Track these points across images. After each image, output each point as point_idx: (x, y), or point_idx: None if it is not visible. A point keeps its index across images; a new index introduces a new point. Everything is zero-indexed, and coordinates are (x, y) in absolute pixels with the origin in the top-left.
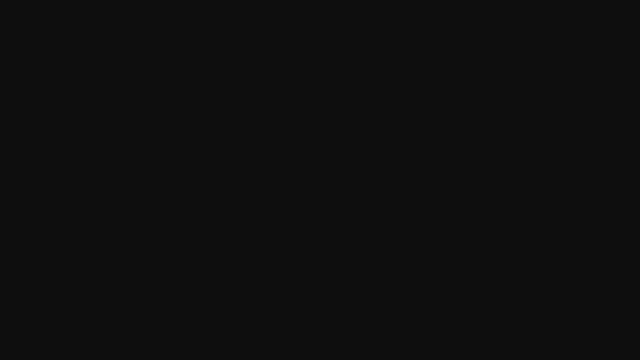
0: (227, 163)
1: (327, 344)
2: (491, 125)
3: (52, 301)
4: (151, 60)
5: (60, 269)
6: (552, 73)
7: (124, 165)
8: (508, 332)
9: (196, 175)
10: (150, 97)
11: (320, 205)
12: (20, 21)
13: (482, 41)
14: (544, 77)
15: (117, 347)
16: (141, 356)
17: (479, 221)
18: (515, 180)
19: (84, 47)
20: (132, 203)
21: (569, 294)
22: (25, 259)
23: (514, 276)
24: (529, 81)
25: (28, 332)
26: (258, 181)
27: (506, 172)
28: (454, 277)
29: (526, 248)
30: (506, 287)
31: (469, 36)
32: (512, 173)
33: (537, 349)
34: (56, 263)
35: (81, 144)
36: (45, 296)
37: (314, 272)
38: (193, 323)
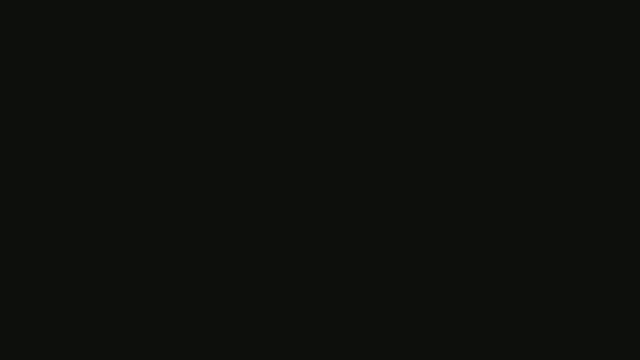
0: (227, 163)
1: (327, 344)
2: (491, 125)
3: (52, 301)
4: (151, 60)
5: (60, 269)
6: (552, 73)
7: (124, 165)
8: (508, 332)
9: (196, 175)
10: (150, 97)
11: (320, 205)
12: (20, 21)
13: (482, 41)
14: (544, 77)
15: (117, 347)
16: (141, 356)
17: (479, 221)
18: (515, 180)
19: (84, 47)
20: (132, 203)
21: (569, 294)
22: (25, 259)
23: (514, 276)
24: (529, 81)
25: (28, 332)
26: (258, 181)
27: (506, 172)
28: (454, 277)
29: (526, 248)
30: (506, 287)
31: (469, 36)
32: (512, 173)
33: (537, 349)
34: (56, 263)
35: (81, 144)
36: (45, 296)
37: (314, 272)
38: (193, 323)
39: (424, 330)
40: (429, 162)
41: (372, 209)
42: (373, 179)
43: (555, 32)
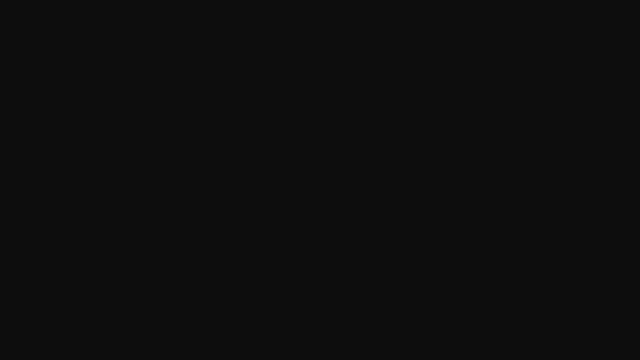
0: (227, 163)
1: (327, 344)
2: (491, 125)
3: (52, 301)
4: (151, 61)
5: (60, 269)
6: (552, 73)
7: (124, 165)
8: (508, 332)
9: (196, 175)
10: (150, 97)
11: (321, 205)
12: (20, 21)
13: (482, 41)
14: (544, 77)
15: (117, 347)
16: (141, 356)
17: (479, 221)
18: (516, 180)
19: (84, 47)
20: (132, 203)
21: (569, 294)
22: (25, 259)
23: (514, 276)
24: (529, 81)
25: (28, 332)
26: (258, 181)
27: (506, 172)
28: (454, 277)
29: (526, 248)
30: (506, 287)
31: (469, 36)
32: (512, 173)
33: (537, 349)
34: (56, 263)
35: (81, 144)
36: (45, 296)
37: (314, 272)
38: (193, 323)
39: (424, 330)
40: (429, 162)
41: (372, 209)
42: (373, 179)
43: (555, 32)
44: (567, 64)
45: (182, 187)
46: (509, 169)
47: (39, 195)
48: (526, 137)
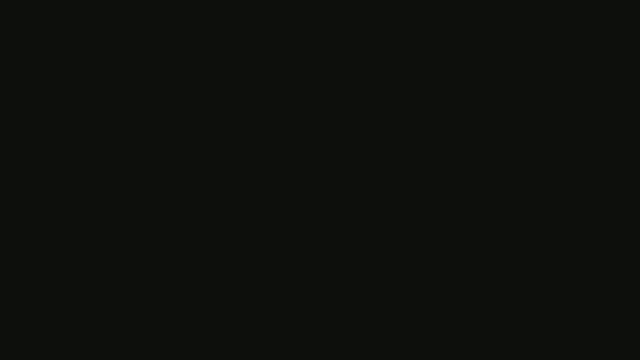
0: (227, 163)
1: (327, 344)
2: (491, 125)
3: (52, 301)
4: (151, 61)
5: (60, 269)
6: (552, 73)
7: (124, 165)
8: (508, 332)
9: (196, 175)
10: (150, 97)
11: (321, 205)
12: (20, 21)
13: (482, 41)
14: (544, 77)
15: (117, 347)
16: (141, 356)
17: (479, 221)
18: (516, 180)
19: (84, 47)
20: (132, 203)
21: (569, 294)
22: (25, 259)
23: (514, 276)
24: (529, 81)
25: (28, 332)
26: (258, 181)
27: (506, 172)
28: (454, 277)
29: (526, 248)
30: (506, 287)
31: (469, 36)
32: (512, 173)
33: (537, 349)
34: (56, 263)
35: (81, 144)
36: (45, 296)
37: (314, 272)
38: (193, 323)
39: (424, 330)
40: (428, 162)
41: (372, 209)
42: (373, 179)
43: (555, 32)
44: (567, 64)
45: (182, 187)
46: (509, 169)
47: (39, 195)
48: (526, 137)
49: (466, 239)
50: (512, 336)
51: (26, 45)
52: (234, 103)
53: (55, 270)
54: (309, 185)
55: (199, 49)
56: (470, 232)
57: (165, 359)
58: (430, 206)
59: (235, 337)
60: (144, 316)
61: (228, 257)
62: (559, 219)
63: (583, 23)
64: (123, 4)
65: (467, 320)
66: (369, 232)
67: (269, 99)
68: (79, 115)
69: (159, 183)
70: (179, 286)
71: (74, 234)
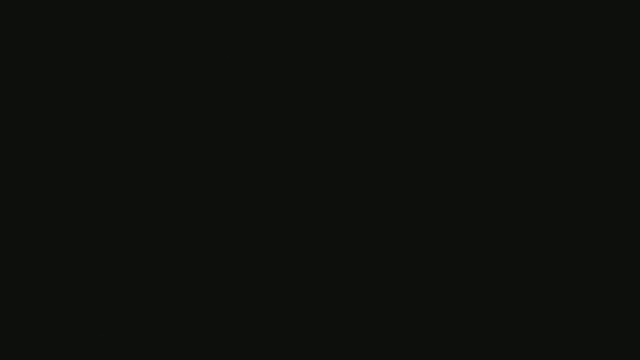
0: (227, 163)
1: (327, 344)
2: (491, 125)
3: (52, 301)
4: (151, 61)
5: (60, 269)
6: (552, 73)
7: (124, 165)
8: (508, 332)
9: (196, 175)
10: (150, 97)
11: (321, 205)
12: (20, 21)
13: (482, 41)
14: (544, 77)
15: (117, 347)
16: (141, 356)
17: (479, 221)
18: (516, 180)
19: (84, 47)
20: (132, 203)
21: (569, 294)
22: (25, 259)
23: (514, 276)
24: (529, 81)
25: (28, 332)
26: (258, 181)
27: (506, 172)
28: (454, 277)
29: (526, 248)
30: (506, 287)
31: (469, 36)
32: (512, 173)
33: (537, 349)
34: (56, 263)
35: (81, 144)
36: (45, 296)
37: (314, 272)
38: (193, 323)
39: (424, 330)
40: (428, 162)
41: (372, 209)
42: (373, 179)
43: (555, 32)
44: (567, 64)
45: (182, 187)
46: (509, 169)
47: (39, 195)
48: (526, 137)
49: (466, 239)
50: (512, 336)
51: (26, 45)
52: (234, 103)
53: (55, 270)
54: (309, 185)
55: (199, 49)
56: (470, 232)
57: (165, 359)
58: (430, 206)
59: (235, 337)
60: (144, 316)
61: (228, 257)
62: (559, 219)
63: (583, 23)
64: (123, 4)
65: (467, 320)
66: (369, 232)
67: (269, 99)
68: (79, 115)
69: (159, 183)
70: (179, 286)
71: (74, 234)
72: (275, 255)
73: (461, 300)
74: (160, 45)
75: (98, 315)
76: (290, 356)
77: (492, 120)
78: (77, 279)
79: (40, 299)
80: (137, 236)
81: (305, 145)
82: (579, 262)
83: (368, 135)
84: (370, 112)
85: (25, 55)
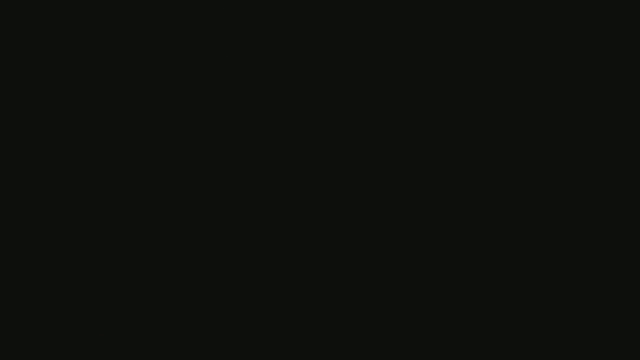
0: (227, 163)
1: (327, 344)
2: (491, 125)
3: (52, 301)
4: (151, 61)
5: (60, 269)
6: (552, 73)
7: (124, 165)
8: (508, 332)
9: (196, 175)
10: (150, 97)
11: (321, 205)
12: (20, 21)
13: (482, 41)
14: (544, 77)
15: (117, 347)
16: (141, 356)
17: (479, 221)
18: (516, 180)
19: (84, 47)
20: (132, 203)
21: (569, 294)
22: (25, 259)
23: (514, 276)
24: (529, 81)
25: (28, 332)
26: (258, 181)
27: (506, 172)
28: (454, 277)
29: (526, 248)
30: (506, 287)
31: (469, 36)
32: (512, 173)
33: (537, 349)
34: (56, 263)
35: (81, 144)
36: (45, 296)
37: (314, 272)
38: (193, 323)
39: (424, 330)
40: (428, 162)
41: (372, 209)
42: (373, 179)
43: (555, 32)
44: (567, 64)
45: (182, 187)
46: (509, 169)
47: (39, 195)
48: (526, 137)
49: (466, 238)
50: (512, 336)
51: (26, 45)
52: (234, 103)
53: (55, 270)
54: (309, 185)
55: (199, 49)
56: (470, 232)
57: (165, 359)
58: (430, 206)
59: (235, 337)
60: (144, 316)
61: (228, 257)
62: (558, 219)
63: (583, 23)
64: (123, 4)
65: (467, 320)
66: (369, 232)
67: (269, 99)
68: (79, 115)
69: (159, 183)
70: (179, 286)
71: (74, 234)
72: (275, 255)
73: (461, 300)
74: (160, 45)
75: (98, 315)
76: (290, 356)
77: (492, 120)
78: (77, 279)
79: (40, 299)
80: (137, 236)
81: (305, 145)
82: (579, 262)
83: (368, 135)
84: (370, 112)
85: (26, 55)
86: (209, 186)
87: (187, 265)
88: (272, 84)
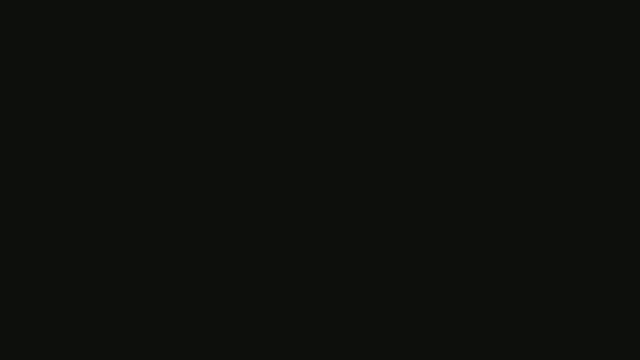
0: (227, 163)
1: (327, 344)
2: (491, 125)
3: (52, 301)
4: (151, 61)
5: (60, 269)
6: (552, 73)
7: (124, 165)
8: (508, 332)
9: (196, 175)
10: (150, 97)
11: (321, 205)
12: (20, 21)
13: (482, 41)
14: (544, 77)
15: (117, 347)
16: (141, 356)
17: (479, 221)
18: (516, 180)
19: (84, 47)
20: (132, 203)
21: (569, 294)
22: (25, 259)
23: (514, 276)
24: (529, 81)
25: (28, 332)
26: (258, 181)
27: (506, 172)
28: (454, 277)
29: (526, 248)
30: (506, 287)
31: (469, 36)
32: (512, 173)
33: (537, 349)
34: (56, 263)
35: (81, 144)
36: (45, 296)
37: (314, 272)
38: (193, 323)
39: (424, 330)
40: (428, 162)
41: (372, 209)
42: (373, 179)
43: (555, 32)
44: (567, 64)
45: (182, 187)
46: (509, 169)
47: (39, 195)
48: (526, 137)
49: (466, 238)
50: (512, 336)
51: (26, 45)
52: (234, 103)
53: (55, 270)
54: (309, 185)
55: (199, 49)
56: (470, 232)
57: (165, 359)
58: (430, 206)
59: (235, 337)
60: (144, 316)
61: (228, 257)
62: (558, 218)
63: (583, 23)
64: (123, 4)
65: (467, 320)
66: (369, 232)
67: (269, 99)
68: (79, 115)
69: (159, 183)
70: (179, 286)
71: (74, 234)
72: (275, 255)
73: (461, 300)
74: (160, 45)
75: (98, 315)
76: (290, 356)
77: (492, 120)
78: (77, 279)
79: (40, 299)
80: (137, 236)
81: (305, 145)
82: (579, 262)
83: (368, 135)
84: (370, 112)
85: (26, 55)
86: (209, 186)
87: (187, 265)
88: (272, 84)
